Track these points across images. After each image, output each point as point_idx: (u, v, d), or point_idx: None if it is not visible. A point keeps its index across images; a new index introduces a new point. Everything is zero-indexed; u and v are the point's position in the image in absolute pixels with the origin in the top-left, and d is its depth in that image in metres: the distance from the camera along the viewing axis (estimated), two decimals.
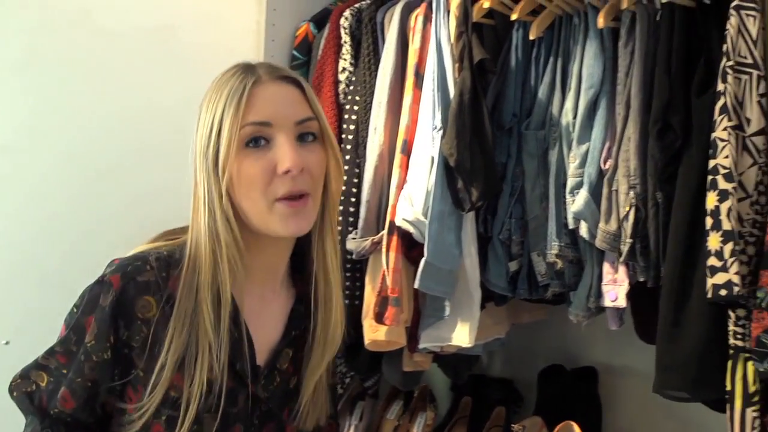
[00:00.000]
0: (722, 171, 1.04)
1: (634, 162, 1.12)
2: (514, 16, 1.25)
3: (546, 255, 1.24)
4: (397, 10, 1.36)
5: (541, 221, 1.25)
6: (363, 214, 1.32)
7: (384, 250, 1.27)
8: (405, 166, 1.29)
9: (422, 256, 1.24)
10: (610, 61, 1.19)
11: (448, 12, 1.29)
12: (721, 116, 1.05)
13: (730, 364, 1.05)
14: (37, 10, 1.36)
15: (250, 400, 0.94)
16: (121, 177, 1.42)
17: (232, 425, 0.92)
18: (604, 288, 1.20)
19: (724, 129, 1.04)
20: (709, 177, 1.05)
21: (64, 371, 0.92)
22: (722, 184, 1.03)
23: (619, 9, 1.17)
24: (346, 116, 1.40)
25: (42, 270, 1.41)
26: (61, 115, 1.39)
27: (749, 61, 1.04)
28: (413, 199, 1.25)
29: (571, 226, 1.21)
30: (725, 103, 1.04)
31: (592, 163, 1.18)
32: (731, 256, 1.01)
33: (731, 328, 1.05)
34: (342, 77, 1.43)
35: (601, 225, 1.16)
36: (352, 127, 1.39)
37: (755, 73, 1.04)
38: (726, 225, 1.02)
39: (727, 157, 1.03)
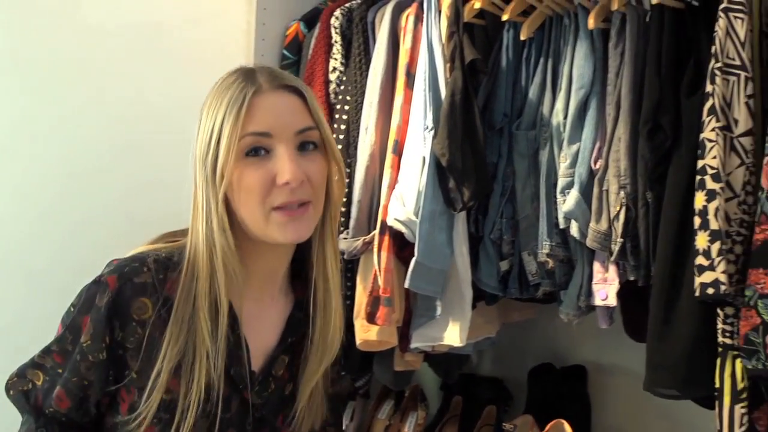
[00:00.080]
0: (710, 171, 1.05)
1: (625, 162, 1.13)
2: (505, 17, 1.26)
3: (537, 254, 1.25)
4: (388, 10, 1.36)
5: (532, 221, 1.26)
6: (354, 215, 1.32)
7: (375, 250, 1.27)
8: (396, 167, 1.29)
9: (413, 256, 1.24)
10: (600, 62, 1.20)
11: (440, 12, 1.29)
12: (710, 117, 1.06)
13: (719, 361, 1.06)
14: (23, 6, 1.34)
15: (244, 405, 0.94)
16: (108, 175, 1.41)
17: (224, 430, 0.92)
18: (595, 287, 1.21)
19: (712, 130, 1.05)
20: (698, 177, 1.06)
21: (60, 370, 0.91)
22: (710, 184, 1.05)
23: (610, 10, 1.18)
24: (337, 116, 1.40)
25: (29, 269, 1.40)
26: (48, 113, 1.38)
27: (737, 62, 1.06)
28: (405, 199, 1.25)
29: (561, 225, 1.22)
30: (713, 104, 1.05)
31: (582, 163, 1.19)
32: (718, 255, 1.02)
33: (720, 326, 1.06)
34: (332, 77, 1.43)
35: (592, 224, 1.17)
36: (342, 127, 1.38)
37: (743, 74, 1.06)
38: (713, 224, 1.03)
39: (715, 157, 1.04)
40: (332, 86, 1.43)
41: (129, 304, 0.88)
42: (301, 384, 0.97)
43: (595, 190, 1.17)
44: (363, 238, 1.31)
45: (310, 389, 0.97)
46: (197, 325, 0.88)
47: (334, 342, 0.97)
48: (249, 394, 0.93)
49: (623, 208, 1.13)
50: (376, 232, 1.28)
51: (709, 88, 1.06)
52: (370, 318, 1.27)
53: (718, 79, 1.05)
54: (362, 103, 1.36)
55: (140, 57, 1.40)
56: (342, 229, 1.33)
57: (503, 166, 1.29)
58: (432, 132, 1.24)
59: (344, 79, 1.41)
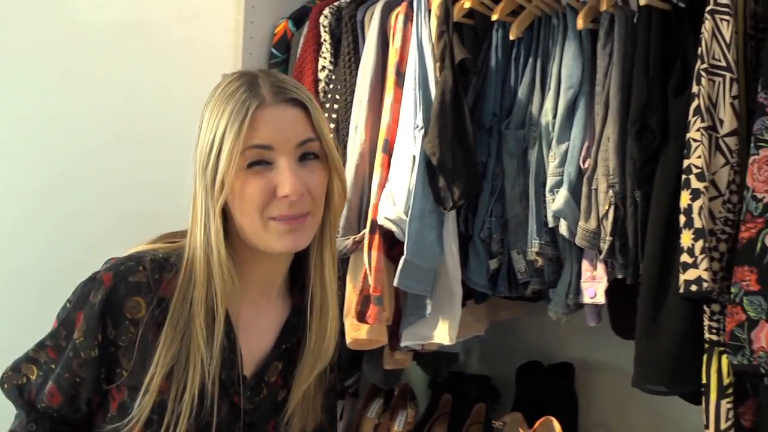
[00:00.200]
0: (695, 170, 1.07)
1: (613, 161, 1.15)
2: (494, 17, 1.27)
3: (526, 253, 1.26)
4: (378, 8, 1.36)
5: (521, 220, 1.27)
6: (344, 213, 1.32)
7: (366, 248, 1.27)
8: (386, 165, 1.29)
9: (403, 254, 1.24)
10: (588, 62, 1.21)
11: (429, 11, 1.30)
12: (695, 117, 1.08)
13: (705, 358, 1.08)
14: (11, 3, 1.32)
15: (234, 410, 0.93)
16: (96, 172, 1.40)
17: None
18: (583, 285, 1.22)
19: (698, 130, 1.07)
20: (683, 176, 1.08)
21: (53, 366, 0.91)
22: (695, 183, 1.06)
23: (598, 11, 1.19)
24: (326, 115, 1.39)
25: (12, 268, 1.38)
26: (34, 110, 1.36)
27: (723, 64, 1.08)
28: (395, 198, 1.25)
29: (551, 224, 1.23)
30: (699, 105, 1.07)
31: (571, 162, 1.20)
32: (701, 253, 1.04)
33: (706, 323, 1.08)
34: (322, 75, 1.43)
35: (581, 223, 1.18)
36: (332, 125, 1.38)
37: (728, 75, 1.07)
38: (697, 223, 1.05)
39: (699, 157, 1.06)
40: (321, 85, 1.42)
41: (122, 303, 0.88)
42: (292, 389, 0.97)
43: (584, 189, 1.19)
44: (353, 237, 1.31)
45: (300, 394, 0.97)
46: (193, 331, 0.88)
47: (328, 349, 0.97)
48: (239, 399, 0.93)
49: (612, 207, 1.15)
50: (366, 231, 1.28)
51: (695, 88, 1.08)
52: (360, 317, 1.28)
53: (703, 80, 1.07)
54: (352, 101, 1.36)
55: (128, 55, 1.39)
56: None
57: (492, 165, 1.30)
58: (422, 131, 1.24)
59: (333, 77, 1.41)
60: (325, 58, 1.42)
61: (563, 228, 1.21)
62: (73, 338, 0.89)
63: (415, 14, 1.31)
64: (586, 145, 1.20)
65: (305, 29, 1.46)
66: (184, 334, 0.88)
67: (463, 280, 1.29)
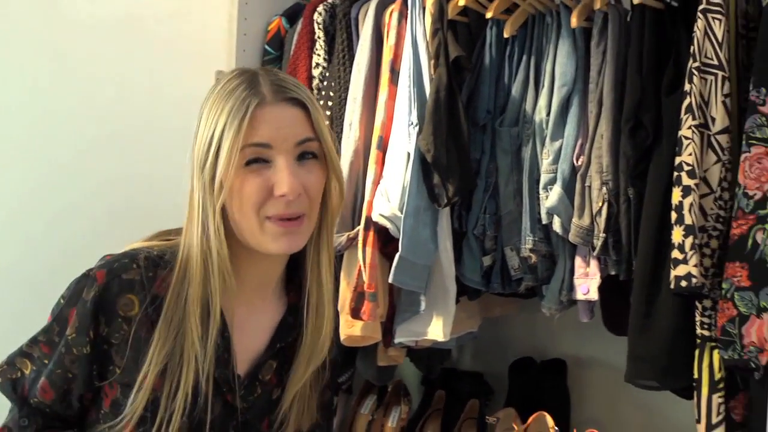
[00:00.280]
0: (686, 168, 1.08)
1: (607, 159, 1.16)
2: (488, 15, 1.27)
3: (519, 249, 1.27)
4: (372, 6, 1.36)
5: (515, 216, 1.28)
6: None
7: (360, 245, 1.28)
8: (381, 162, 1.29)
9: (397, 251, 1.25)
10: (582, 60, 1.22)
11: (424, 9, 1.30)
12: (687, 115, 1.09)
13: (697, 353, 1.09)
14: (2, 0, 1.31)
15: (227, 409, 0.93)
16: (87, 168, 1.39)
17: None
18: (576, 281, 1.23)
19: (689, 127, 1.08)
20: (675, 173, 1.09)
21: (45, 361, 0.91)
22: (685, 180, 1.08)
23: (592, 9, 1.20)
24: None
25: (4, 263, 1.37)
26: (26, 105, 1.36)
27: (714, 62, 1.09)
28: (389, 195, 1.26)
29: (544, 221, 1.24)
30: (690, 103, 1.08)
31: (565, 159, 1.21)
32: (691, 249, 1.05)
33: (698, 318, 1.10)
34: (316, 72, 1.43)
35: (575, 220, 1.19)
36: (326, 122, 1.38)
37: (720, 74, 1.09)
38: (688, 219, 1.06)
39: (690, 154, 1.08)
40: (315, 82, 1.42)
41: (115, 300, 0.88)
42: (286, 388, 0.97)
43: (578, 186, 1.19)
44: (347, 233, 1.31)
45: (294, 393, 0.97)
46: (187, 329, 0.88)
47: (323, 348, 0.96)
48: (232, 398, 0.93)
49: (605, 204, 1.16)
50: (361, 227, 1.29)
51: (687, 86, 1.09)
52: (355, 313, 1.28)
53: (695, 78, 1.09)
54: (346, 98, 1.36)
55: (121, 51, 1.39)
56: None
57: (486, 162, 1.30)
58: (417, 128, 1.25)
59: (327, 74, 1.41)
60: (319, 55, 1.42)
61: (557, 225, 1.22)
62: (65, 334, 0.89)
63: (409, 12, 1.31)
64: (579, 142, 1.21)
65: (299, 26, 1.46)
66: (178, 332, 0.88)
67: (456, 277, 1.30)
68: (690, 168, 1.08)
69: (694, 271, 1.05)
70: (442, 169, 1.23)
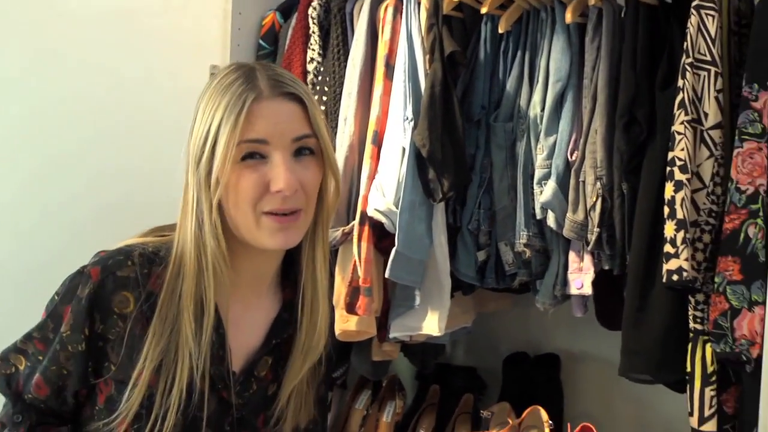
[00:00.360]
0: (678, 163, 1.09)
1: (601, 154, 1.16)
2: (484, 10, 1.27)
3: (514, 245, 1.27)
4: (367, 1, 1.36)
5: (509, 212, 1.28)
6: None
7: (355, 240, 1.28)
8: (376, 157, 1.29)
9: (392, 246, 1.25)
10: (576, 56, 1.22)
11: (419, 4, 1.30)
12: (679, 110, 1.10)
13: (690, 347, 1.10)
14: None
15: (222, 405, 0.93)
16: (80, 163, 1.38)
17: (200, 429, 0.91)
18: (570, 276, 1.24)
19: (681, 123, 1.09)
20: (668, 168, 1.10)
21: (40, 357, 0.91)
22: (678, 175, 1.09)
23: (586, 5, 1.20)
24: None
25: None
26: (19, 99, 1.35)
27: (707, 58, 1.10)
28: (384, 190, 1.26)
29: (538, 216, 1.24)
30: (683, 98, 1.09)
31: (559, 154, 1.22)
32: (682, 243, 1.06)
33: (691, 312, 1.11)
34: (310, 67, 1.42)
35: (569, 215, 1.20)
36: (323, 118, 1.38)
37: (713, 69, 1.10)
38: (679, 214, 1.07)
39: (683, 149, 1.08)
40: (310, 77, 1.42)
41: (110, 298, 0.87)
42: (282, 385, 0.97)
43: (572, 181, 1.20)
44: (342, 228, 1.31)
45: (291, 389, 0.97)
46: (181, 325, 0.87)
47: (319, 345, 0.97)
48: (228, 394, 0.93)
49: (599, 199, 1.16)
50: (356, 222, 1.29)
51: (680, 82, 1.10)
52: (350, 308, 1.28)
53: (688, 74, 1.09)
54: (341, 93, 1.36)
55: (115, 45, 1.38)
56: None
57: (481, 157, 1.31)
58: (412, 123, 1.25)
59: (322, 69, 1.41)
60: (313, 50, 1.42)
61: (551, 220, 1.22)
62: (60, 331, 0.89)
63: (404, 6, 1.31)
64: (573, 137, 1.22)
65: (293, 21, 1.46)
66: (173, 328, 0.88)
67: (451, 272, 1.30)
68: (682, 163, 1.09)
69: (686, 265, 1.05)
70: (437, 164, 1.23)
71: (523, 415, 1.31)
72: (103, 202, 1.40)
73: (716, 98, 1.10)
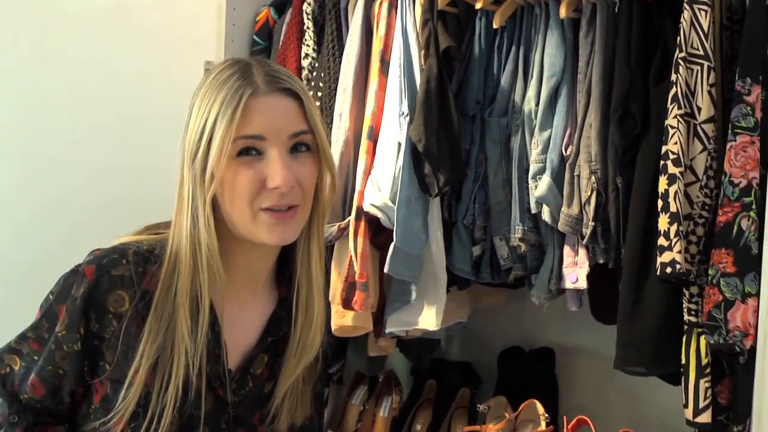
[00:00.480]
0: (671, 156, 1.10)
1: (596, 148, 1.17)
2: (478, 5, 1.28)
3: (509, 239, 1.28)
4: None
5: (504, 206, 1.29)
6: None
7: (351, 235, 1.28)
8: (371, 152, 1.29)
9: (388, 241, 1.25)
10: (570, 51, 1.23)
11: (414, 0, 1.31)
12: (673, 105, 1.11)
13: (684, 339, 1.11)
14: None
15: (219, 403, 0.93)
16: (74, 159, 1.37)
17: (197, 427, 0.91)
18: (565, 270, 1.24)
19: (675, 117, 1.10)
20: (661, 162, 1.11)
21: (35, 357, 0.90)
22: (671, 169, 1.10)
23: (580, 0, 1.21)
24: None
25: None
26: (13, 95, 1.34)
27: (700, 53, 1.11)
28: (380, 185, 1.26)
29: (533, 210, 1.25)
30: (676, 93, 1.10)
31: (554, 149, 1.22)
32: (675, 236, 1.07)
33: (685, 305, 1.12)
34: (305, 63, 1.42)
35: (564, 209, 1.20)
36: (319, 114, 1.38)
37: (706, 64, 1.11)
38: (673, 207, 1.08)
39: (676, 143, 1.09)
40: (305, 72, 1.42)
41: (105, 297, 0.87)
42: (278, 383, 0.97)
43: (567, 175, 1.21)
44: (338, 224, 1.31)
45: (286, 388, 0.97)
46: (177, 322, 0.87)
47: (314, 343, 0.96)
48: (224, 392, 0.93)
49: (594, 193, 1.17)
50: (352, 217, 1.29)
51: (673, 76, 1.11)
52: (346, 304, 1.28)
53: (681, 69, 1.10)
54: (336, 89, 1.36)
55: (109, 40, 1.38)
56: None
57: (476, 152, 1.31)
58: (407, 118, 1.25)
59: (317, 65, 1.41)
60: (308, 45, 1.42)
61: (546, 214, 1.23)
62: (55, 331, 0.88)
63: (399, 2, 1.31)
64: (568, 132, 1.22)
65: (288, 17, 1.46)
66: (168, 326, 0.87)
67: (446, 267, 1.31)
68: (675, 156, 1.09)
69: (679, 258, 1.06)
70: (433, 159, 1.23)
71: (520, 408, 1.31)
72: (98, 199, 1.39)
73: (709, 92, 1.11)
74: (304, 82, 1.42)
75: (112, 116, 1.39)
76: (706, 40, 1.10)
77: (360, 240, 1.27)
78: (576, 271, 1.24)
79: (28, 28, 1.33)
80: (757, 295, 1.03)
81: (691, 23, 1.10)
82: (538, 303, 1.29)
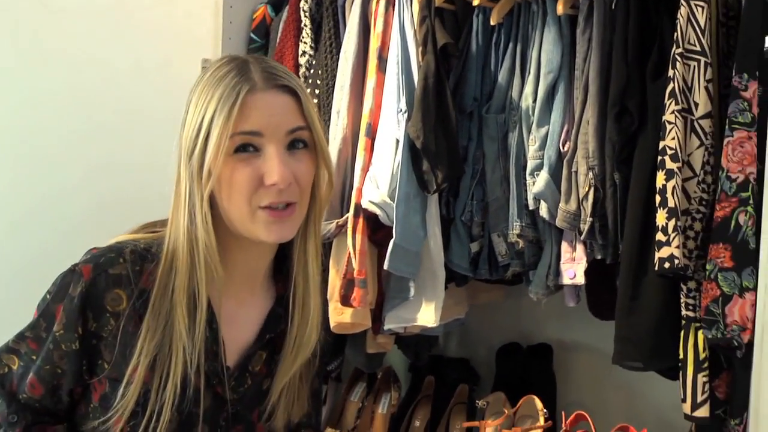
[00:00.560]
0: (669, 152, 1.10)
1: (593, 144, 1.17)
2: (475, 2, 1.28)
3: (507, 235, 1.28)
4: None
5: (501, 203, 1.29)
6: None
7: (350, 232, 1.28)
8: (369, 149, 1.29)
9: (386, 238, 1.26)
10: (568, 47, 1.23)
11: None
12: (670, 100, 1.11)
13: (682, 334, 1.11)
14: None
15: (217, 401, 0.93)
16: (72, 157, 1.37)
17: (196, 425, 0.91)
18: (563, 266, 1.25)
19: (672, 112, 1.10)
20: (659, 157, 1.11)
21: (33, 357, 0.90)
22: (669, 164, 1.10)
23: None
24: None
25: None
26: (9, 93, 1.33)
27: (697, 48, 1.11)
28: (379, 181, 1.26)
29: (531, 206, 1.25)
30: (674, 88, 1.10)
31: (551, 145, 1.22)
32: (673, 231, 1.07)
33: (683, 300, 1.12)
34: (302, 60, 1.42)
35: (562, 205, 1.21)
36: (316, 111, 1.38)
37: (703, 60, 1.11)
38: (671, 202, 1.09)
39: (673, 138, 1.10)
40: (302, 70, 1.42)
41: (103, 296, 0.87)
42: (275, 379, 0.97)
43: (564, 171, 1.21)
44: (336, 221, 1.31)
45: (283, 385, 0.97)
46: (174, 320, 0.87)
47: (310, 340, 0.97)
48: (222, 390, 0.93)
49: (592, 189, 1.17)
50: (350, 214, 1.29)
51: (670, 72, 1.11)
52: (344, 300, 1.28)
53: (678, 65, 1.11)
54: (333, 86, 1.36)
55: (106, 38, 1.38)
56: None
57: (473, 149, 1.31)
58: (405, 115, 1.25)
59: (314, 62, 1.41)
60: (305, 43, 1.42)
61: (543, 210, 1.23)
62: (53, 331, 0.88)
63: None
64: (565, 128, 1.23)
65: (285, 14, 1.46)
66: (166, 323, 0.87)
67: (444, 263, 1.31)
68: (673, 152, 1.10)
69: (677, 253, 1.07)
70: (431, 155, 1.24)
71: (518, 404, 1.32)
72: (95, 197, 1.39)
73: (706, 88, 1.11)
74: (302, 79, 1.42)
75: (108, 113, 1.39)
76: (703, 36, 1.11)
77: (358, 237, 1.27)
78: (574, 267, 1.24)
79: (26, 26, 1.33)
80: (755, 289, 1.03)
81: (688, 19, 1.11)
82: (536, 299, 1.29)
